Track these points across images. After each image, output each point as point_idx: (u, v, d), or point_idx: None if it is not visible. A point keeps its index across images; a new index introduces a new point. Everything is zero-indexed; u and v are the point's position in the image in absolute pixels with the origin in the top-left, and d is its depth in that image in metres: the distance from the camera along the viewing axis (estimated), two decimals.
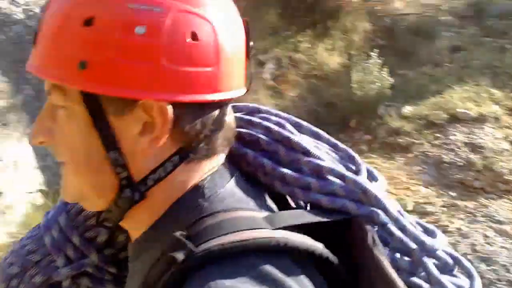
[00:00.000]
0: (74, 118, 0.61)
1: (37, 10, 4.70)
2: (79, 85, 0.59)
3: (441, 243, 0.71)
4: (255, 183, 0.70)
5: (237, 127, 0.70)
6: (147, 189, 0.63)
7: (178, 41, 0.58)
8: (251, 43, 0.67)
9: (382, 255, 0.63)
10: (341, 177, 0.67)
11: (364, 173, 0.71)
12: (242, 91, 0.67)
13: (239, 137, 0.71)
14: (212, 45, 0.60)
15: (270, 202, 0.68)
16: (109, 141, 0.61)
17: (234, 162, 0.70)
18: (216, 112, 0.63)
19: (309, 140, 0.73)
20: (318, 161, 0.68)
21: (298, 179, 0.67)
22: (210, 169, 0.65)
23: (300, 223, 0.62)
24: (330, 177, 0.68)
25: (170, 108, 0.58)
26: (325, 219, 0.64)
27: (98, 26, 0.57)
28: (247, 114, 0.75)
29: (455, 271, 0.71)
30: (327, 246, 0.61)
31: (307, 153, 0.68)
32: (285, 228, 0.59)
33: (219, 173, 0.66)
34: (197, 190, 0.63)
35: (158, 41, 0.57)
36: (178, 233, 0.58)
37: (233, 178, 0.66)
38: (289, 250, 0.58)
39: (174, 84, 0.58)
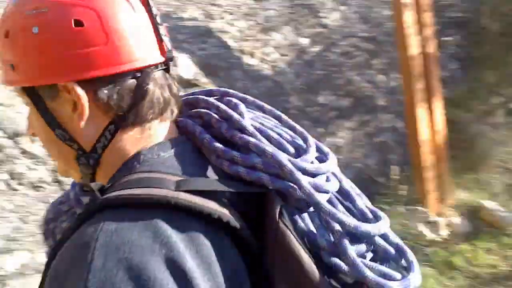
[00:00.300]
0: (30, 109, 0.78)
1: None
2: (15, 83, 0.76)
3: (381, 229, 0.72)
4: (202, 156, 0.78)
5: (199, 107, 0.81)
6: (99, 156, 0.75)
7: (65, 30, 0.70)
8: (156, 14, 0.76)
9: (287, 228, 0.67)
10: (262, 152, 0.71)
11: (311, 152, 0.76)
12: (152, 59, 0.74)
13: (199, 116, 0.81)
14: (98, 27, 0.70)
15: (208, 172, 0.76)
16: (52, 122, 0.74)
17: (188, 137, 0.79)
18: (130, 82, 0.73)
19: (262, 121, 0.80)
20: (248, 138, 0.73)
21: (225, 152, 0.73)
22: (147, 136, 0.76)
23: (205, 189, 0.67)
24: (253, 153, 0.72)
25: (76, 86, 0.70)
26: (231, 189, 0.69)
27: (11, 36, 0.72)
28: (214, 96, 0.84)
29: (394, 262, 0.72)
30: (246, 220, 0.68)
31: (242, 130, 0.74)
32: (191, 192, 0.65)
33: (161, 144, 0.75)
34: (137, 156, 0.73)
35: (50, 34, 0.70)
36: (93, 184, 0.70)
37: (173, 149, 0.75)
38: (199, 215, 0.64)
39: (74, 66, 0.70)
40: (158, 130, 0.77)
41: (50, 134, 0.76)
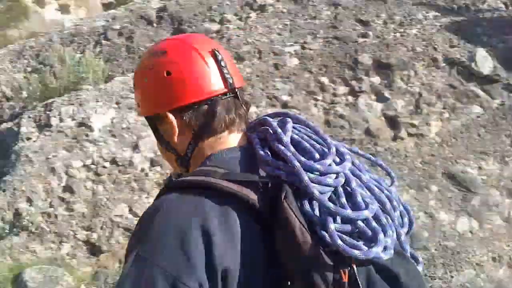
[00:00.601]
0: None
1: None
2: (140, 114, 1.18)
3: (361, 216, 0.94)
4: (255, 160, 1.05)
5: (265, 125, 1.09)
6: (189, 158, 1.10)
7: (160, 79, 1.06)
8: (221, 60, 1.07)
9: (288, 206, 0.91)
10: (285, 156, 0.98)
11: (329, 157, 1.00)
12: (217, 92, 1.06)
13: (262, 132, 1.09)
14: (180, 75, 1.05)
15: (253, 171, 1.03)
16: (161, 138, 1.12)
17: (250, 146, 1.08)
18: (204, 107, 1.05)
19: (303, 135, 1.08)
20: (280, 146, 1.00)
21: (262, 157, 1.01)
22: (220, 143, 1.07)
23: (242, 179, 0.97)
24: (282, 158, 0.99)
25: (169, 114, 1.05)
26: (258, 180, 0.99)
27: (135, 86, 1.17)
28: (279, 117, 1.14)
29: (368, 241, 0.93)
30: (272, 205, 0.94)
31: (280, 141, 1.02)
32: (231, 181, 0.95)
33: (230, 149, 1.06)
34: (209, 156, 1.05)
35: (152, 82, 1.08)
36: (173, 173, 1.20)
37: (237, 153, 1.06)
38: (232, 197, 0.93)
39: (167, 101, 1.06)
40: (229, 139, 1.09)
41: (161, 146, 1.15)
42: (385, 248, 0.93)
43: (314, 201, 0.95)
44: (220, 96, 1.06)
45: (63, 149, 4.01)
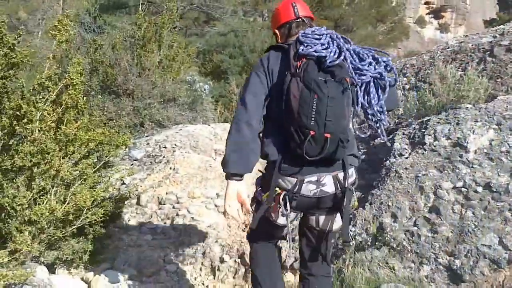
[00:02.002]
0: None
1: None
2: (272, 29, 2.83)
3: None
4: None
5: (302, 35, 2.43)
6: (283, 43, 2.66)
7: (275, 13, 2.80)
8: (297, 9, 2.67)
9: (293, 47, 2.40)
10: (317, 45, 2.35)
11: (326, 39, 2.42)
12: (289, 19, 2.62)
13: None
14: (277, 15, 2.72)
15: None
16: (276, 40, 2.76)
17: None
18: (287, 27, 2.62)
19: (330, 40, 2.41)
20: (312, 48, 2.32)
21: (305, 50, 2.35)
22: (293, 37, 2.56)
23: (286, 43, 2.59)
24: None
25: (276, 30, 2.69)
26: (290, 42, 2.52)
27: (272, 20, 2.88)
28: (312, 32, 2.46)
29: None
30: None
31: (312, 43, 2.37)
32: (283, 44, 2.57)
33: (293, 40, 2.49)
34: (285, 42, 2.62)
35: (271, 17, 2.92)
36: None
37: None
38: (280, 49, 2.52)
39: (275, 23, 2.75)
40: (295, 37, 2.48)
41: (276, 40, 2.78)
42: (316, 51, 2.30)
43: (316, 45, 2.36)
44: (293, 20, 2.61)
45: (434, 168, 3.87)
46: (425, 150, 4.04)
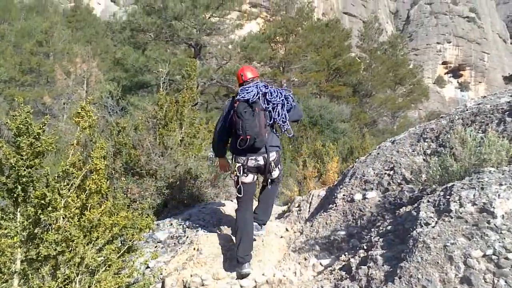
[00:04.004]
0: None
1: None
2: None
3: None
4: None
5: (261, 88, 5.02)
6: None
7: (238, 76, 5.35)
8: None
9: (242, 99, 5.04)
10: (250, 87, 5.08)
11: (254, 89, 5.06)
12: (240, 83, 5.25)
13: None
14: (240, 76, 5.25)
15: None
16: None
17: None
18: (239, 86, 5.21)
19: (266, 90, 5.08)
20: (245, 95, 4.97)
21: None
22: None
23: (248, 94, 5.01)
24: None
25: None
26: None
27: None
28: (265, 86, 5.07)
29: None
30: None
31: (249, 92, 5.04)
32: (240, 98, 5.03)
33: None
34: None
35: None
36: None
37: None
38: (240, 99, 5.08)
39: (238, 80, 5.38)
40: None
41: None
42: (243, 97, 4.89)
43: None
44: (241, 83, 5.17)
45: (462, 236, 3.76)
46: (451, 217, 3.95)
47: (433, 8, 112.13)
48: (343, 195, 5.78)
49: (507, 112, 5.33)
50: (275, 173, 5.21)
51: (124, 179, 6.72)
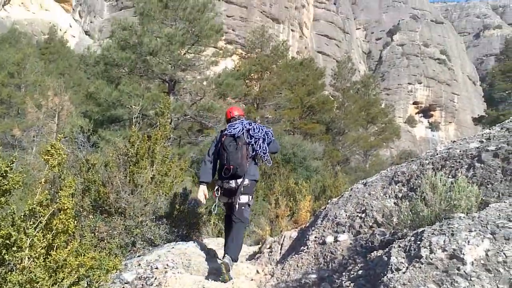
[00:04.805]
0: None
1: None
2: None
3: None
4: None
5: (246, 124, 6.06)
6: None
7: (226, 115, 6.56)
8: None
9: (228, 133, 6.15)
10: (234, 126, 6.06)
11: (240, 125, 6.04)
12: (227, 118, 6.38)
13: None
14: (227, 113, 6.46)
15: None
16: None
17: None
18: (227, 122, 6.34)
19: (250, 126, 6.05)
20: (232, 130, 5.97)
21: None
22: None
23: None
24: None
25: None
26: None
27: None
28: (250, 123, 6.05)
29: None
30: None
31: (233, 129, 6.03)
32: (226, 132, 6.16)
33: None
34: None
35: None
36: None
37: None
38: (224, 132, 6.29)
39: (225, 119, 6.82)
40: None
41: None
42: (230, 132, 5.91)
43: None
44: (229, 119, 6.25)
45: (433, 282, 3.74)
46: (422, 263, 3.93)
47: (405, 49, 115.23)
48: (315, 237, 5.74)
49: (476, 158, 5.41)
50: (244, 199, 5.76)
51: (92, 217, 6.56)
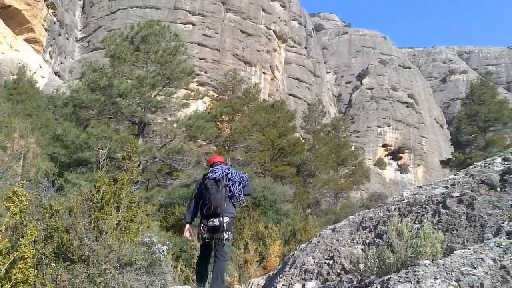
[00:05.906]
0: None
1: None
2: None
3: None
4: None
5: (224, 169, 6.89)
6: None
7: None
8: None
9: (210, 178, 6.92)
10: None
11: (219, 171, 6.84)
12: (210, 164, 7.17)
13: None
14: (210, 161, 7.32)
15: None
16: None
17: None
18: (210, 167, 7.10)
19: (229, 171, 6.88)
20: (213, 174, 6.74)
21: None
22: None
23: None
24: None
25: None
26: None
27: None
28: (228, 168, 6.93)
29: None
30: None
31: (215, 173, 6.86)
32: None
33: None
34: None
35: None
36: None
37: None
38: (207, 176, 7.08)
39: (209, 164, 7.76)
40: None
41: None
42: (212, 175, 6.68)
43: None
44: (211, 164, 6.98)
45: None
46: None
47: (374, 93, 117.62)
48: (283, 284, 5.66)
49: (441, 204, 5.46)
50: (226, 235, 6.50)
51: (55, 265, 6.33)
